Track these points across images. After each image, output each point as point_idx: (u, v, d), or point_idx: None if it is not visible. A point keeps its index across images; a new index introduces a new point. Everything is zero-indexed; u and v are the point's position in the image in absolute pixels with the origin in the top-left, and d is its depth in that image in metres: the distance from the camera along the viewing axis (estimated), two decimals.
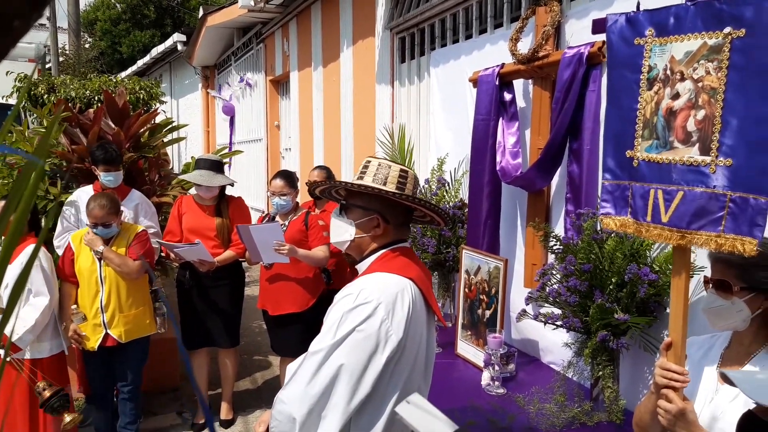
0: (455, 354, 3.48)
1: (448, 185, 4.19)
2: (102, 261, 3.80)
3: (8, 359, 3.62)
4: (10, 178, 4.52)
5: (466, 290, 3.51)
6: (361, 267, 1.93)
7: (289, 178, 4.21)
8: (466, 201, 3.89)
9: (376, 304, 1.72)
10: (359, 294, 1.75)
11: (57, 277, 3.93)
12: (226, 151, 5.73)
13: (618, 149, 1.72)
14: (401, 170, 1.90)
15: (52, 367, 3.78)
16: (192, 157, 4.72)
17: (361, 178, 1.91)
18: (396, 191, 1.86)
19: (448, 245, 3.94)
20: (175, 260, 4.30)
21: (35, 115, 5.85)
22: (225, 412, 4.62)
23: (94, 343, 3.85)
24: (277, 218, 4.25)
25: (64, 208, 4.28)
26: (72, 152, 4.80)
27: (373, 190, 1.85)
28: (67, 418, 3.39)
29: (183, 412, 4.80)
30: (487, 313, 3.32)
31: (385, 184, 1.86)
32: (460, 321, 3.53)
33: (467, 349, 3.44)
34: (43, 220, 4.37)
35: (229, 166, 10.86)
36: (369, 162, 1.93)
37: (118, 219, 3.83)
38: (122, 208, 4.16)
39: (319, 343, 1.74)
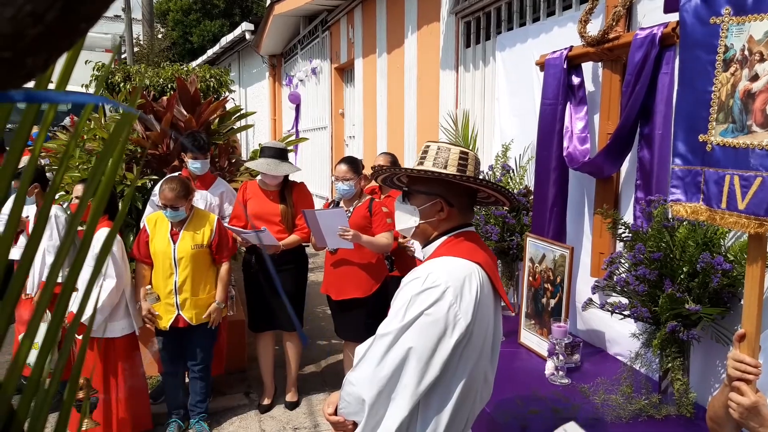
0: (518, 343, 3.46)
1: (513, 172, 4.14)
2: (176, 243, 3.94)
3: (80, 336, 3.80)
4: (89, 163, 4.73)
5: (531, 279, 3.47)
6: (427, 252, 1.93)
7: (353, 163, 4.25)
8: (531, 188, 3.84)
9: (444, 288, 1.72)
10: (427, 278, 1.75)
11: (131, 259, 4.12)
12: (292, 138, 5.92)
13: (690, 133, 1.67)
14: (461, 152, 1.89)
15: (126, 346, 3.96)
16: (259, 144, 4.78)
17: (421, 163, 1.90)
18: (457, 173, 1.85)
19: (512, 233, 3.90)
20: (243, 244, 4.40)
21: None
22: (290, 394, 4.72)
23: (166, 322, 4.00)
24: (341, 204, 4.30)
25: (154, 190, 4.48)
26: (146, 138, 4.98)
27: (434, 174, 1.85)
28: (85, 424, 3.48)
29: (250, 393, 4.92)
30: (552, 302, 3.28)
31: (445, 167, 1.85)
32: (524, 310, 3.50)
33: (531, 339, 3.41)
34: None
35: (295, 154, 10.99)
36: (428, 146, 1.93)
37: (187, 204, 3.95)
38: (208, 194, 4.48)
39: (387, 326, 1.75)
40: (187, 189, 3.96)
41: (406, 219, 1.94)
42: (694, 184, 1.66)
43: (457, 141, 4.63)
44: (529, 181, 4.00)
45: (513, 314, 3.83)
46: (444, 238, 1.90)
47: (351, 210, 4.25)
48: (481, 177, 1.93)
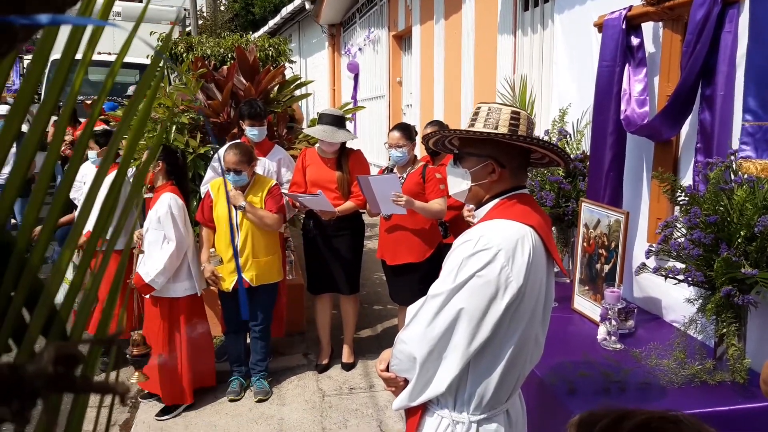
0: (571, 309, 3.44)
1: (570, 137, 4.07)
2: (238, 211, 4.06)
3: (147, 296, 3.98)
4: (154, 131, 4.90)
5: (585, 244, 3.43)
6: (479, 214, 1.92)
7: (405, 130, 4.26)
8: (588, 153, 3.77)
9: (496, 251, 1.72)
10: (479, 240, 1.74)
11: (195, 223, 4.26)
12: (350, 107, 5.92)
13: (761, 89, 1.61)
14: (512, 112, 1.86)
15: (189, 306, 4.12)
16: (317, 113, 4.85)
17: (472, 125, 1.89)
18: (507, 133, 1.83)
19: (568, 199, 3.84)
20: (300, 209, 4.50)
21: (176, 73, 6.21)
22: (346, 355, 4.82)
23: (228, 284, 4.13)
24: (395, 171, 4.33)
25: (215, 156, 4.62)
26: (208, 107, 5.10)
27: (484, 134, 1.84)
28: (134, 378, 3.61)
29: (308, 354, 5.05)
30: (606, 267, 3.24)
31: (496, 128, 1.84)
32: (578, 276, 3.47)
33: (584, 304, 3.38)
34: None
35: (354, 123, 11.06)
36: (479, 108, 1.91)
37: (249, 169, 4.06)
38: (266, 160, 4.59)
39: (439, 287, 1.76)
40: (250, 155, 4.06)
41: (458, 182, 1.94)
42: (765, 141, 1.60)
43: (523, 109, 4.54)
44: (587, 146, 3.93)
45: (567, 280, 3.80)
46: (496, 200, 1.89)
47: (404, 176, 4.27)
48: (534, 137, 1.90)
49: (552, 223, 2.41)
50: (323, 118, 4.43)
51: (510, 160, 1.89)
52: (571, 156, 3.97)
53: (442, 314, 1.73)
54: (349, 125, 4.70)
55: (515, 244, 1.74)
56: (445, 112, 7.54)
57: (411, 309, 1.89)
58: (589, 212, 3.43)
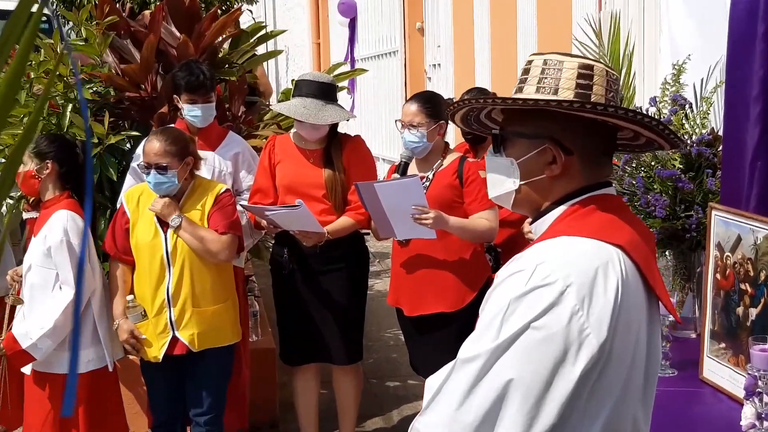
0: (699, 379, 3.40)
1: (691, 107, 4.03)
2: (169, 230, 4.01)
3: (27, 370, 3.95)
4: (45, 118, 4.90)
5: (718, 276, 3.39)
6: (537, 229, 1.95)
7: (428, 101, 4.25)
8: (720, 132, 3.80)
9: (563, 287, 1.73)
10: (535, 270, 1.75)
11: (102, 257, 4.26)
12: (344, 70, 5.88)
13: None
14: (582, 66, 1.90)
15: (93, 386, 4.06)
16: (292, 80, 4.83)
17: (520, 89, 1.94)
18: (575, 100, 1.85)
19: (690, 205, 3.78)
20: (268, 229, 4.48)
21: (71, 23, 6.21)
22: None
23: (157, 351, 4.06)
24: (412, 166, 4.36)
25: (136, 152, 4.59)
26: (122, 75, 5.07)
27: (536, 103, 1.86)
28: None
29: None
30: (753, 312, 3.17)
31: (556, 92, 1.88)
32: (708, 326, 3.41)
33: (719, 371, 3.31)
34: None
35: (351, 93, 10.93)
36: (531, 62, 1.95)
37: (182, 167, 4.01)
38: (215, 156, 4.58)
39: (473, 347, 1.77)
40: (184, 144, 4.05)
41: (500, 180, 1.98)
42: None
43: (602, 61, 4.52)
44: (717, 121, 3.95)
45: (692, 334, 3.79)
46: (562, 207, 1.91)
47: (431, 177, 4.27)
48: (615, 104, 1.92)
49: (655, 240, 2.42)
50: (302, 88, 4.42)
51: (581, 143, 1.91)
52: (693, 137, 3.92)
53: (480, 389, 1.73)
54: (343, 98, 4.87)
55: (593, 275, 1.76)
56: (493, 74, 7.60)
57: (432, 381, 1.88)
58: (723, 225, 3.38)
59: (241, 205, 4.36)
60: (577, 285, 1.73)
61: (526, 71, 1.94)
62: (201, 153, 4.35)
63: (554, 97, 1.85)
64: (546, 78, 1.88)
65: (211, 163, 4.55)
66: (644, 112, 2.15)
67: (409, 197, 4.00)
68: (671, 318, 3.36)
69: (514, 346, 1.72)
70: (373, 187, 4.07)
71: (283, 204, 4.38)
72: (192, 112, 4.52)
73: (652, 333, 1.91)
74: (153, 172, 3.93)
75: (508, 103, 1.91)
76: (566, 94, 1.85)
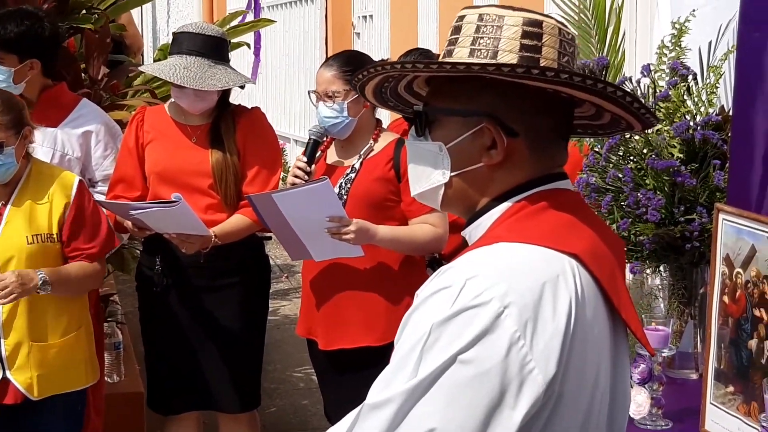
0: None
1: (695, 78, 3.87)
2: None
3: None
4: None
5: (725, 299, 3.33)
6: (472, 234, 1.91)
7: (349, 62, 4.07)
8: (730, 111, 3.67)
9: (499, 308, 1.63)
10: (464, 287, 1.65)
11: None
12: (242, 20, 6.02)
13: None
14: (526, 22, 1.84)
15: None
16: (173, 33, 4.58)
17: (449, 52, 1.88)
18: (518, 64, 1.78)
19: (691, 206, 3.68)
20: (134, 233, 4.31)
21: None
22: None
23: None
24: (332, 153, 4.24)
25: None
26: None
27: (469, 69, 1.80)
28: None
29: None
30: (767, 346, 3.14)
31: (495, 55, 1.81)
32: (712, 365, 3.36)
33: (725, 422, 3.25)
34: None
35: (256, 52, 10.83)
36: (462, 18, 1.90)
37: (16, 141, 3.78)
38: (58, 135, 4.40)
39: (385, 388, 1.68)
40: (18, 110, 3.81)
41: (425, 172, 1.94)
42: None
43: (581, 23, 4.56)
44: (728, 96, 3.88)
45: (693, 375, 3.78)
46: (504, 205, 1.85)
47: (357, 166, 4.12)
48: (572, 69, 1.86)
49: (624, 247, 2.25)
50: (182, 43, 4.26)
51: (529, 122, 1.86)
52: (697, 116, 3.82)
53: None
54: (238, 59, 4.55)
55: (539, 294, 1.69)
56: (441, 30, 7.72)
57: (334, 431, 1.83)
58: (734, 233, 3.29)
59: (98, 201, 4.09)
60: (517, 306, 1.66)
61: (457, 29, 1.89)
62: (39, 131, 4.14)
63: (492, 61, 1.82)
64: (482, 38, 1.84)
65: (52, 143, 4.34)
66: (607, 81, 2.17)
67: (321, 207, 3.86)
68: (666, 352, 3.60)
69: (437, 385, 1.64)
70: (272, 198, 3.92)
71: (155, 199, 4.20)
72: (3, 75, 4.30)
73: (618, 369, 1.90)
74: None
75: (432, 69, 1.90)
76: (508, 57, 1.81)
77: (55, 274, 3.81)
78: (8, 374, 3.74)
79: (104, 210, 4.19)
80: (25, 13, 4.40)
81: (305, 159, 4.12)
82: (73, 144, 4.43)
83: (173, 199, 3.98)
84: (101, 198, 4.23)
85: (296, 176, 4.06)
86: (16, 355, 3.77)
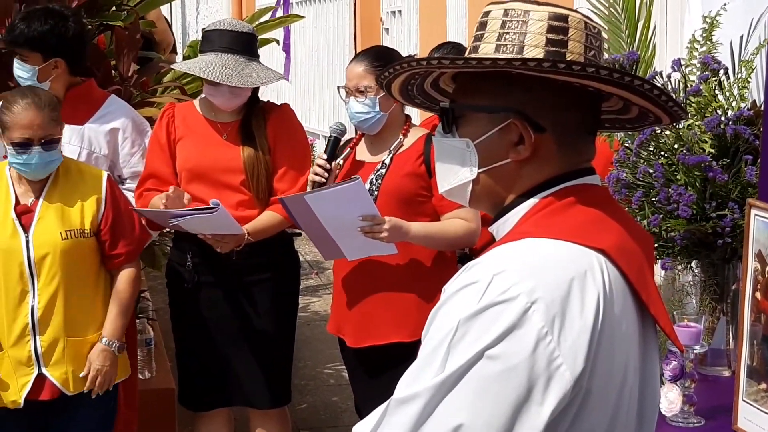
0: (732, 430, 3.29)
1: (726, 73, 3.79)
2: (32, 229, 3.78)
3: None
4: None
5: (758, 296, 3.28)
6: (500, 230, 1.91)
7: (380, 58, 4.03)
8: (762, 106, 3.62)
9: (527, 304, 1.63)
10: (491, 283, 1.65)
11: None
12: (272, 17, 5.95)
13: None
14: (552, 16, 1.83)
15: None
16: (202, 29, 4.57)
17: (475, 48, 1.88)
18: (545, 59, 1.76)
19: (723, 201, 3.61)
20: (170, 227, 4.35)
21: None
22: None
23: (15, 394, 3.83)
24: (362, 149, 4.19)
25: None
26: None
27: (495, 64, 1.78)
28: None
29: None
30: None
31: (521, 50, 1.81)
32: (745, 362, 3.29)
33: (758, 420, 3.18)
34: None
35: (286, 48, 10.87)
36: (487, 14, 1.90)
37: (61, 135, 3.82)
38: (85, 132, 4.37)
39: (412, 384, 1.68)
40: (57, 106, 3.83)
41: (453, 169, 1.93)
42: None
43: (611, 17, 4.52)
44: (759, 90, 3.92)
45: (725, 372, 3.71)
46: (531, 201, 1.85)
47: (387, 162, 4.08)
48: (601, 63, 1.86)
49: (653, 244, 2.25)
50: (215, 41, 4.23)
51: (556, 118, 1.85)
52: (728, 111, 3.75)
53: None
54: (269, 55, 4.52)
55: (567, 290, 1.68)
56: (470, 24, 7.75)
57: (358, 429, 1.80)
58: (766, 228, 3.27)
59: (134, 210, 4.12)
60: (545, 302, 1.65)
61: (482, 25, 1.90)
62: (67, 128, 4.16)
63: (519, 56, 1.81)
64: (507, 33, 1.84)
65: (79, 139, 4.34)
66: (636, 74, 2.25)
67: (354, 206, 3.85)
68: (697, 348, 3.51)
69: (464, 381, 1.64)
70: (304, 199, 3.89)
71: (192, 204, 4.12)
72: (21, 71, 4.35)
73: (647, 366, 1.88)
74: (37, 149, 3.70)
75: (458, 65, 1.85)
76: (534, 52, 1.81)
77: (115, 324, 3.91)
78: (44, 370, 3.76)
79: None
80: (50, 11, 4.41)
81: (326, 156, 4.10)
82: (101, 141, 4.44)
83: (212, 206, 3.98)
84: (132, 199, 4.25)
85: (317, 174, 4.05)
86: (52, 351, 3.77)
